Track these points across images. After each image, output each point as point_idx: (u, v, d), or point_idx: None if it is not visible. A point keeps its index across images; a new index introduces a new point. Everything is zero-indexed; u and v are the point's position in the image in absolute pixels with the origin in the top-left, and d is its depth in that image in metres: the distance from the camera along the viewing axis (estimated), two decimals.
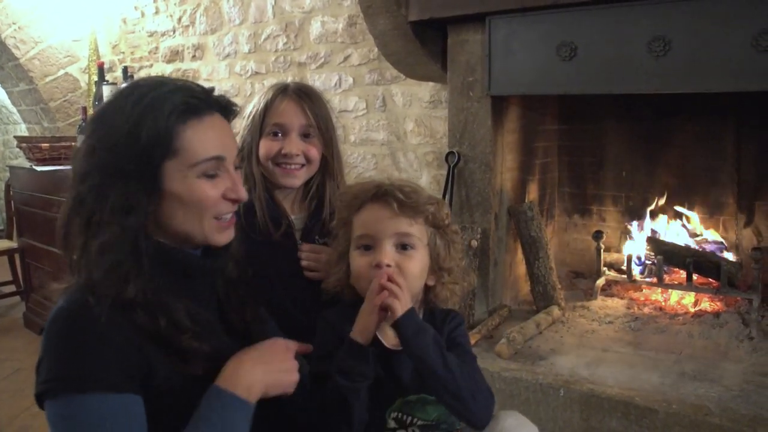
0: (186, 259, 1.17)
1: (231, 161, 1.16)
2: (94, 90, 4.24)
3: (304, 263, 1.59)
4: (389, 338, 1.23)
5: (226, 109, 1.20)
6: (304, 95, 1.63)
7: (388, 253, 1.21)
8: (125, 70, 4.18)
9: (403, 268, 1.21)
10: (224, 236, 1.19)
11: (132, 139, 1.06)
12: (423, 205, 1.24)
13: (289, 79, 3.55)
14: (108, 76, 4.38)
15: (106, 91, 3.93)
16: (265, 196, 1.61)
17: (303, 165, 1.62)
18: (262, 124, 1.62)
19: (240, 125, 1.64)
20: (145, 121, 1.06)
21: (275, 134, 1.61)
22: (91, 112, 4.10)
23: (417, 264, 1.23)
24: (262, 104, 1.63)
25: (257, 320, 1.31)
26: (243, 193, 1.16)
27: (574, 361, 2.14)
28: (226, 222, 1.17)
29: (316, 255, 1.58)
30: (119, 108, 1.09)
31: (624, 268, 2.63)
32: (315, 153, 1.63)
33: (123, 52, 4.61)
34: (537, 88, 2.35)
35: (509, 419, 1.24)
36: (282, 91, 1.63)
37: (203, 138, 1.11)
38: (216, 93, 1.20)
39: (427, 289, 1.30)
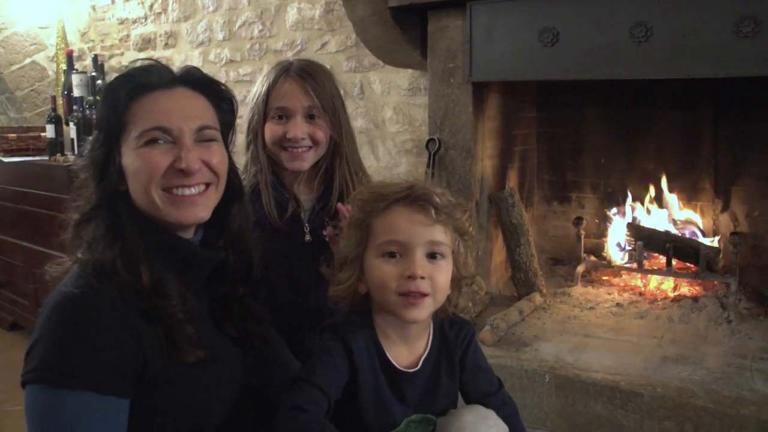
0: (167, 237, 1.15)
1: (186, 133, 1.12)
2: (63, 79, 4.13)
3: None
4: (401, 359, 1.18)
5: (194, 82, 1.18)
6: (307, 75, 1.55)
7: (421, 263, 1.10)
8: (95, 58, 4.07)
9: (434, 279, 1.11)
10: (184, 213, 1.13)
11: (100, 123, 1.14)
12: (457, 213, 1.15)
13: (265, 68, 3.52)
14: (77, 65, 4.26)
15: (76, 80, 3.83)
16: (271, 179, 1.57)
17: (310, 147, 1.56)
18: (266, 107, 1.56)
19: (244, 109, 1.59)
20: (106, 105, 1.13)
21: (279, 117, 1.55)
22: (60, 101, 3.99)
23: (447, 274, 1.14)
24: (264, 86, 1.56)
25: (257, 336, 1.28)
26: (190, 163, 1.11)
27: (558, 346, 2.15)
28: (181, 197, 1.12)
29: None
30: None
31: (605, 254, 2.65)
32: (321, 135, 1.56)
33: (92, 40, 4.49)
34: (519, 74, 2.35)
35: (469, 415, 1.17)
36: (284, 71, 1.56)
37: (148, 111, 1.11)
38: (184, 68, 1.20)
39: None
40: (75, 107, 3.65)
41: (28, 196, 3.60)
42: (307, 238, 1.60)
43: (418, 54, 2.65)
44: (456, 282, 1.19)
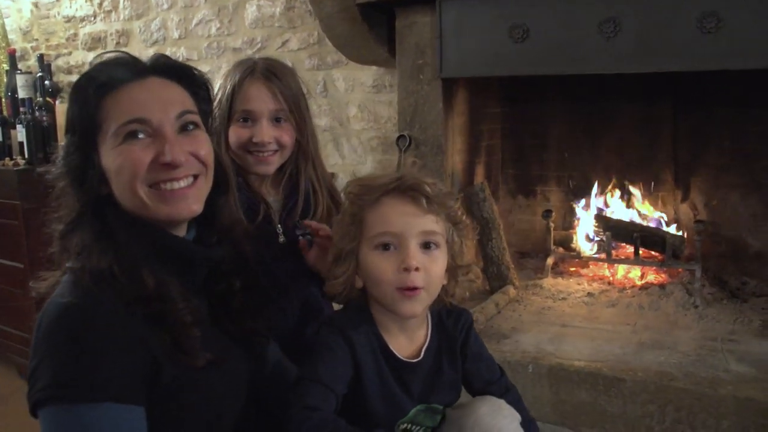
0: (163, 238, 1.10)
1: (166, 123, 1.07)
2: (5, 80, 3.95)
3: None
4: (402, 350, 1.18)
5: (166, 70, 1.13)
6: (273, 76, 1.52)
7: (415, 254, 1.11)
8: (41, 58, 3.93)
9: (429, 270, 1.11)
10: (176, 208, 1.09)
11: (72, 126, 1.09)
12: (448, 201, 1.15)
13: (224, 66, 3.46)
14: (21, 65, 4.09)
15: (21, 81, 3.69)
16: (239, 181, 1.52)
17: (276, 151, 1.53)
18: (230, 109, 1.51)
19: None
20: (75, 105, 1.08)
21: (245, 120, 1.52)
22: (4, 103, 3.83)
23: (441, 264, 1.15)
24: (228, 87, 1.52)
25: (258, 334, 1.26)
26: (176, 155, 1.06)
27: (538, 337, 2.18)
28: (170, 191, 1.08)
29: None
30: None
31: (573, 245, 2.72)
32: (287, 138, 1.53)
33: (36, 39, 4.31)
34: (489, 69, 2.37)
35: (483, 407, 1.16)
36: (250, 72, 1.52)
37: (122, 105, 1.06)
38: (154, 56, 1.15)
39: None
40: (23, 109, 3.50)
41: None
42: (281, 239, 1.58)
43: (385, 51, 2.64)
44: (452, 271, 1.20)
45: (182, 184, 1.09)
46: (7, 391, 3.11)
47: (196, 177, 1.12)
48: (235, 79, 1.53)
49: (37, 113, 3.44)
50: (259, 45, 3.35)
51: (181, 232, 1.16)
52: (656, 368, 1.92)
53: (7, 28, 4.34)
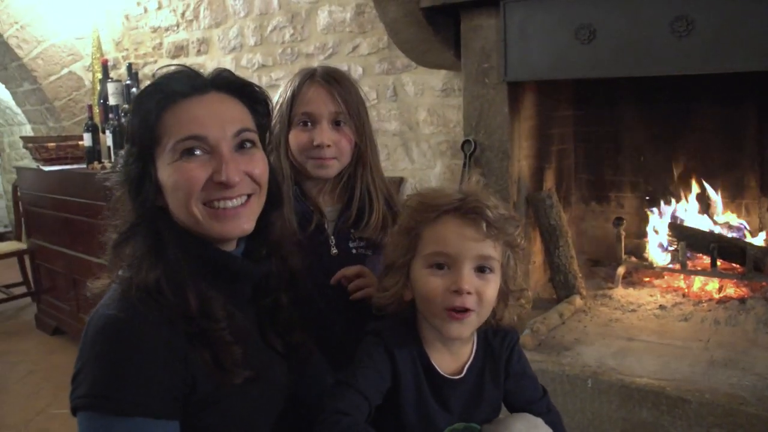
0: (210, 252, 1.11)
1: (223, 141, 1.08)
2: (98, 88, 4.20)
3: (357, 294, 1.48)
4: (445, 366, 1.16)
5: (227, 86, 1.14)
6: (333, 80, 1.52)
7: (469, 278, 1.09)
8: (129, 66, 4.15)
9: (482, 294, 1.09)
10: (227, 226, 1.09)
11: (132, 137, 1.10)
12: (509, 227, 1.12)
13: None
14: (112, 74, 4.33)
15: (111, 89, 3.91)
16: (294, 190, 1.53)
17: (335, 157, 1.53)
18: (290, 113, 1.52)
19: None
20: (137, 117, 1.09)
21: (305, 124, 1.52)
22: (96, 110, 4.06)
23: (494, 288, 1.12)
24: (289, 92, 1.53)
25: (303, 347, 1.25)
26: (231, 175, 1.06)
27: (600, 350, 2.10)
28: (223, 210, 1.08)
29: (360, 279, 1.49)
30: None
31: (645, 255, 2.59)
32: (347, 143, 1.53)
33: (127, 49, 4.55)
34: (555, 72, 2.30)
35: (518, 423, 1.13)
36: (309, 77, 1.53)
37: (181, 120, 1.06)
38: (215, 71, 1.15)
39: None
40: (111, 115, 3.71)
41: (68, 203, 3.68)
42: (334, 251, 1.57)
43: (452, 54, 2.61)
44: (503, 295, 1.17)
45: (235, 203, 1.10)
46: None
47: (249, 196, 1.13)
48: (295, 84, 1.55)
49: (122, 119, 3.63)
50: (331, 50, 3.39)
51: (231, 246, 1.17)
52: (726, 390, 1.79)
53: (102, 39, 4.61)
